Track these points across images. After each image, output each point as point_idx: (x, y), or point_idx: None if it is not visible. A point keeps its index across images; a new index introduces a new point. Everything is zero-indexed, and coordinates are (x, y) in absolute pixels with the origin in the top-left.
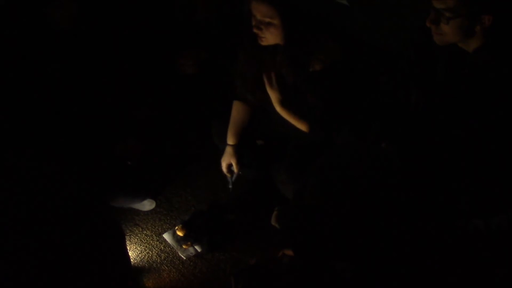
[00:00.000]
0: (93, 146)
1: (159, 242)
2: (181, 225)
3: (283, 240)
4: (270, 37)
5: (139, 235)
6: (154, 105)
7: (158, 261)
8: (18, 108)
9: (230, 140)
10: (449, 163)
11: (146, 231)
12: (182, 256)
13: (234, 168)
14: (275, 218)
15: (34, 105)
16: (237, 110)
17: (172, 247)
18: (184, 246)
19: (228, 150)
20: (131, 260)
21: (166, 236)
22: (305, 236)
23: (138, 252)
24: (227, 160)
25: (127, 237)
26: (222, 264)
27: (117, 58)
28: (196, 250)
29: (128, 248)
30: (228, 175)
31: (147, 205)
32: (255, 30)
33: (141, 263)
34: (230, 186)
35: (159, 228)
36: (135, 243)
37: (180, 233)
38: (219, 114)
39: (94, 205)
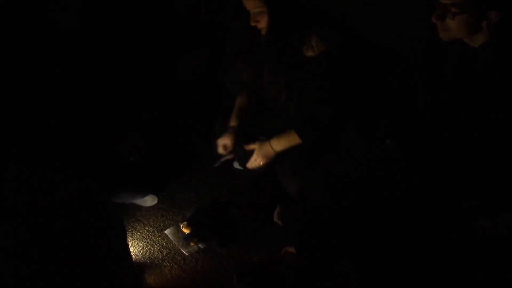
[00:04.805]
0: (95, 142)
1: (161, 238)
2: (186, 222)
3: (286, 237)
4: (266, 25)
5: (140, 231)
6: (158, 104)
7: (160, 257)
8: (23, 107)
9: (232, 122)
10: (456, 161)
11: (148, 227)
12: (184, 252)
13: (229, 147)
14: (278, 214)
15: (38, 103)
16: (240, 100)
17: (174, 243)
18: (191, 244)
19: (228, 131)
20: (133, 256)
21: (168, 232)
22: (309, 236)
23: (140, 248)
24: (225, 140)
25: (128, 233)
26: (225, 261)
27: (122, 58)
28: (199, 246)
29: (129, 244)
30: (224, 152)
31: (149, 200)
32: (252, 24)
33: (142, 259)
34: (216, 165)
35: (161, 224)
36: (137, 239)
37: (186, 230)
38: (223, 113)
39: (95, 200)
